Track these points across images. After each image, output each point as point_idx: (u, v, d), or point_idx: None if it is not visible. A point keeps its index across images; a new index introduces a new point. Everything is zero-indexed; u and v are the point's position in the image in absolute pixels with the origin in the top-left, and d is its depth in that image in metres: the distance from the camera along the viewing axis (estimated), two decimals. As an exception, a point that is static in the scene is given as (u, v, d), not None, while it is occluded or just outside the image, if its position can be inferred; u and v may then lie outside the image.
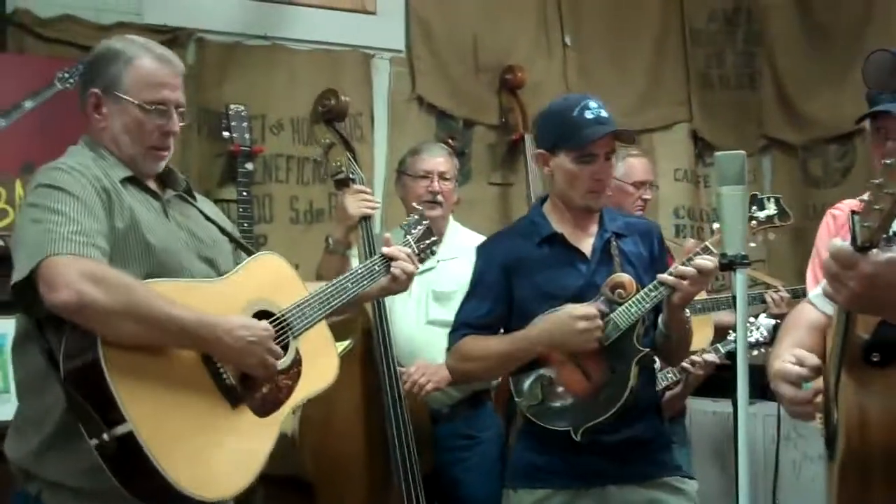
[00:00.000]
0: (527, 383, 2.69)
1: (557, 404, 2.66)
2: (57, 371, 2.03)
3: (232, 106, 3.64)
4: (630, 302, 2.60)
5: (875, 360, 1.89)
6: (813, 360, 1.98)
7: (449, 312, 3.35)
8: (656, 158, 4.95)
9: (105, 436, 1.95)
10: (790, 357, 1.99)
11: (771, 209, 2.55)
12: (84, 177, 2.16)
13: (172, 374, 2.10)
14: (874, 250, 1.62)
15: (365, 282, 2.64)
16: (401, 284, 2.77)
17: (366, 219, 3.29)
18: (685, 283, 2.53)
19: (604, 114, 2.66)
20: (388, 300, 3.32)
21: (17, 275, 2.03)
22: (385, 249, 2.74)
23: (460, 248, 3.56)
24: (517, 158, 4.65)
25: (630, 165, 3.99)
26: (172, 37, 3.94)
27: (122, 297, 2.01)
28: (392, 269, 2.72)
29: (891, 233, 1.61)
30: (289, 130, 4.24)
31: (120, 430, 1.94)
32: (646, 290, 2.61)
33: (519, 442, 2.79)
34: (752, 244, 2.57)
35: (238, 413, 2.18)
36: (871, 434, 1.86)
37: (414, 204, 3.42)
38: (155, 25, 3.93)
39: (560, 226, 2.78)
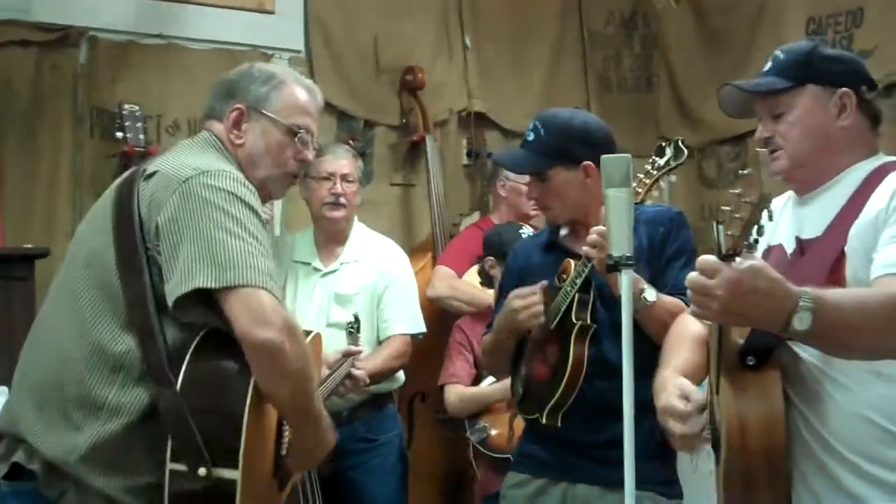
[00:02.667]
0: (516, 383, 2.82)
1: (533, 396, 2.74)
2: (168, 385, 1.97)
3: (126, 106, 3.59)
4: (567, 282, 2.64)
5: (751, 363, 1.94)
6: (698, 396, 2.01)
7: (350, 315, 3.37)
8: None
9: (202, 470, 1.92)
10: (677, 391, 2.03)
11: (668, 153, 2.59)
12: (257, 200, 2.10)
13: (267, 434, 2.13)
14: (737, 258, 1.66)
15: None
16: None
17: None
18: (594, 251, 2.52)
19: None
20: (289, 303, 3.31)
21: (208, 281, 1.95)
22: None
23: (364, 251, 3.56)
24: (419, 159, 4.67)
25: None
26: (63, 35, 3.87)
27: (302, 363, 2.02)
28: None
29: (751, 240, 1.66)
30: (185, 131, 4.19)
31: (227, 474, 1.93)
32: (577, 266, 2.64)
33: (522, 433, 2.92)
34: (656, 192, 2.63)
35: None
36: (751, 437, 1.90)
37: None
38: (45, 24, 3.86)
39: (568, 230, 2.83)
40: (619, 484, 2.12)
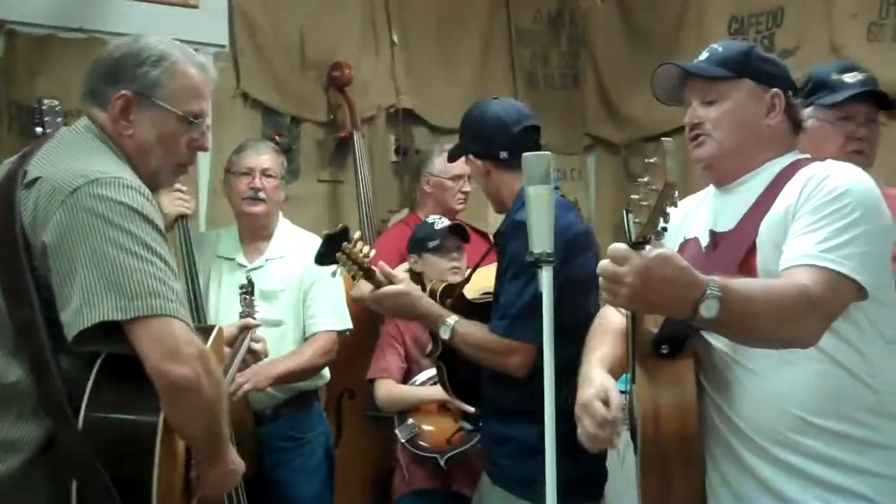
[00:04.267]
0: None
1: None
2: (67, 420, 1.82)
3: (45, 100, 3.50)
4: None
5: (665, 351, 1.98)
6: (618, 401, 2.02)
7: (276, 311, 3.35)
8: (483, 155, 5.02)
9: None
10: (597, 390, 2.04)
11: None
12: (154, 208, 1.93)
13: (178, 461, 2.02)
14: (647, 246, 1.69)
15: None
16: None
17: (182, 217, 3.22)
18: None
19: None
20: (213, 298, 3.28)
21: (112, 312, 1.79)
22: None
23: (289, 247, 3.54)
24: (346, 156, 4.64)
25: (446, 160, 4.06)
26: (-22, 27, 3.77)
27: (216, 390, 1.90)
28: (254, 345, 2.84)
29: (659, 228, 1.68)
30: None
31: None
32: None
33: None
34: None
35: None
36: (664, 424, 1.94)
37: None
38: (-42, 16, 3.75)
39: None
40: (492, 477, 2.68)
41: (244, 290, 3.05)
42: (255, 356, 2.89)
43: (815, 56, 4.44)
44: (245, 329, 2.82)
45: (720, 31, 4.78)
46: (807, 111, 2.68)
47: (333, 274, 2.83)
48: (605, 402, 2.02)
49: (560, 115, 5.39)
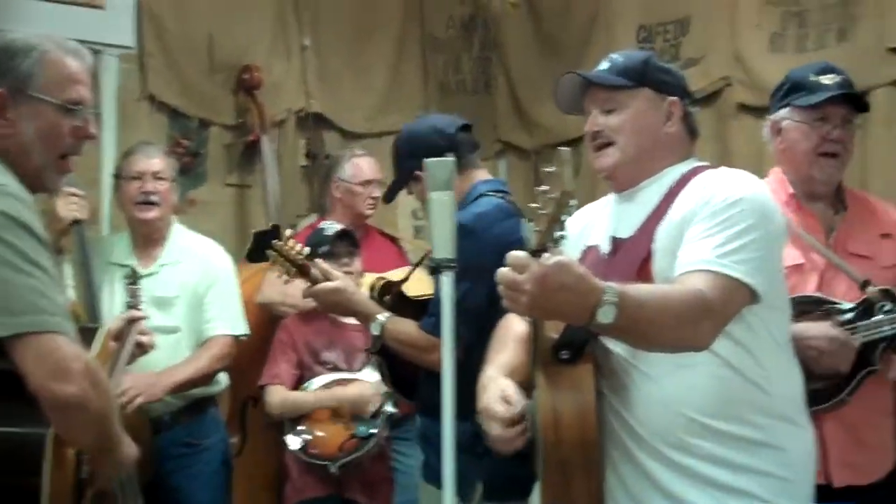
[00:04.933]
0: None
1: None
2: None
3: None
4: None
5: (565, 357, 1.99)
6: (518, 402, 2.04)
7: (171, 318, 3.30)
8: (396, 161, 5.01)
9: None
10: (499, 392, 2.05)
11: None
12: (34, 214, 1.85)
13: (68, 469, 1.99)
14: (545, 254, 1.70)
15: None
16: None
17: (77, 222, 3.15)
18: None
19: None
20: (106, 306, 3.21)
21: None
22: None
23: (184, 252, 3.48)
24: (255, 160, 4.58)
25: (356, 166, 4.07)
26: None
27: (105, 401, 1.86)
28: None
29: (557, 235, 1.69)
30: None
31: None
32: None
33: None
34: None
35: None
36: (565, 429, 1.95)
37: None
38: None
39: None
40: None
41: (129, 281, 2.99)
42: (141, 349, 2.84)
43: (720, 65, 4.55)
44: (131, 322, 2.77)
45: (628, 39, 4.85)
46: (783, 112, 2.74)
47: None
48: (507, 402, 2.03)
49: (472, 120, 5.37)
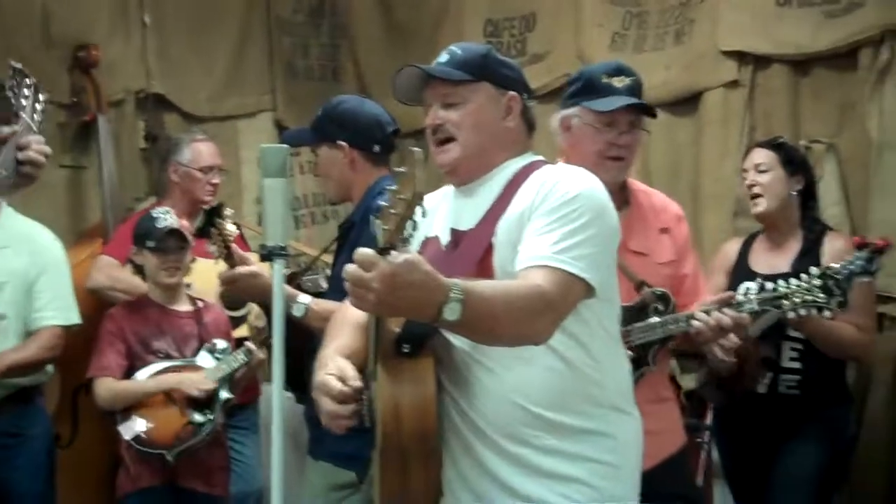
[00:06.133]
0: None
1: None
2: None
3: None
4: None
5: (406, 351, 1.99)
6: (354, 380, 2.03)
7: (-1, 305, 3.17)
8: (239, 146, 4.94)
9: None
10: (334, 370, 2.04)
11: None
12: None
13: None
14: (393, 252, 1.70)
15: None
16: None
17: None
18: None
19: None
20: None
21: None
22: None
23: (13, 237, 3.34)
24: (91, 140, 4.42)
25: (196, 150, 3.97)
26: None
27: None
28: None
29: (406, 235, 1.69)
30: None
31: None
32: None
33: None
34: None
35: None
36: (404, 421, 1.95)
37: None
38: None
39: None
40: None
41: None
42: None
43: (564, 62, 4.64)
44: None
45: (476, 33, 4.90)
46: (573, 110, 2.77)
47: None
48: (342, 381, 2.02)
49: (318, 107, 5.31)
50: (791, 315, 2.75)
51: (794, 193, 3.41)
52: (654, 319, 2.73)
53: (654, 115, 2.85)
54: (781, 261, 3.37)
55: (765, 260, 3.41)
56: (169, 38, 4.83)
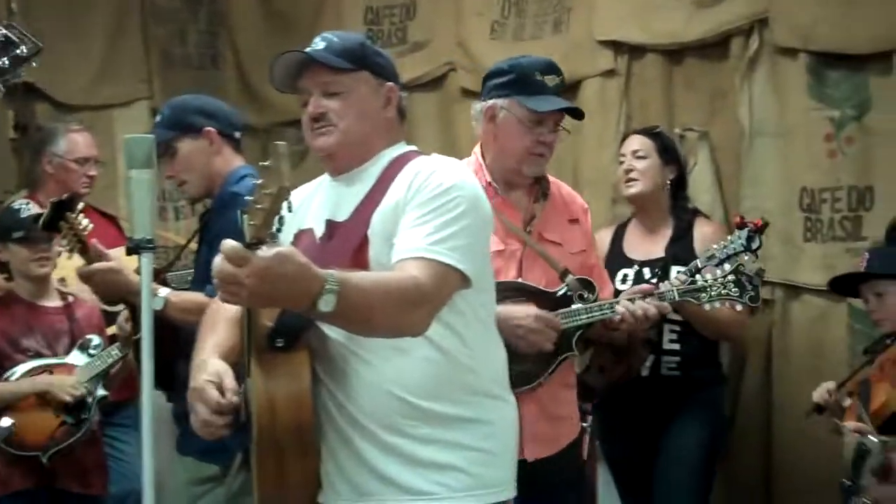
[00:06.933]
0: None
1: None
2: None
3: None
4: None
5: (280, 345, 1.98)
6: (232, 387, 2.01)
7: None
8: (115, 136, 4.82)
9: None
10: (212, 377, 2.01)
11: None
12: None
13: None
14: (263, 247, 1.68)
15: None
16: None
17: None
18: None
19: None
20: None
21: None
22: None
23: None
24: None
25: (72, 141, 3.87)
26: None
27: None
28: None
29: (274, 229, 1.68)
30: None
31: None
32: None
33: None
34: None
35: None
36: (280, 415, 1.95)
37: None
38: None
39: None
40: None
41: None
42: None
43: (445, 50, 4.66)
44: None
45: (356, 20, 4.89)
46: (503, 101, 2.79)
47: None
48: (220, 389, 1.99)
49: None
50: (707, 307, 2.86)
51: (667, 182, 3.49)
52: (579, 306, 2.77)
53: (582, 118, 2.89)
54: (656, 247, 3.46)
55: (639, 246, 3.49)
56: (39, 24, 4.64)
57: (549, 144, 2.81)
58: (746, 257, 2.97)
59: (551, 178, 2.95)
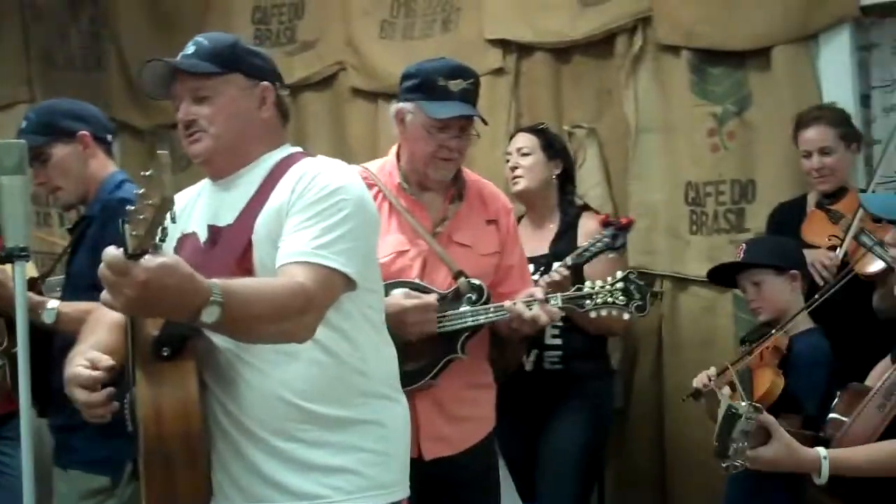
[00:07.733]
0: None
1: None
2: None
3: None
4: None
5: (165, 354, 1.94)
6: (106, 361, 1.97)
7: None
8: (-3, 140, 4.66)
9: None
10: (83, 361, 1.97)
11: None
12: None
13: None
14: (146, 256, 1.64)
15: None
16: None
17: None
18: None
19: None
20: None
21: None
22: None
23: None
24: None
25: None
26: None
27: None
28: None
29: (157, 239, 1.64)
30: None
31: None
32: None
33: None
34: None
35: None
36: (166, 424, 1.92)
37: None
38: None
39: None
40: None
41: None
42: None
43: (334, 49, 4.63)
44: None
45: (244, 20, 4.83)
46: (409, 106, 2.78)
47: None
48: (94, 368, 1.96)
49: (82, 97, 5.03)
50: (592, 315, 2.84)
51: (553, 178, 3.53)
52: (465, 308, 2.77)
53: (485, 123, 2.88)
54: (541, 243, 3.49)
55: (527, 243, 3.50)
56: None
57: (456, 149, 2.81)
58: (611, 255, 3.02)
59: (473, 178, 2.95)
